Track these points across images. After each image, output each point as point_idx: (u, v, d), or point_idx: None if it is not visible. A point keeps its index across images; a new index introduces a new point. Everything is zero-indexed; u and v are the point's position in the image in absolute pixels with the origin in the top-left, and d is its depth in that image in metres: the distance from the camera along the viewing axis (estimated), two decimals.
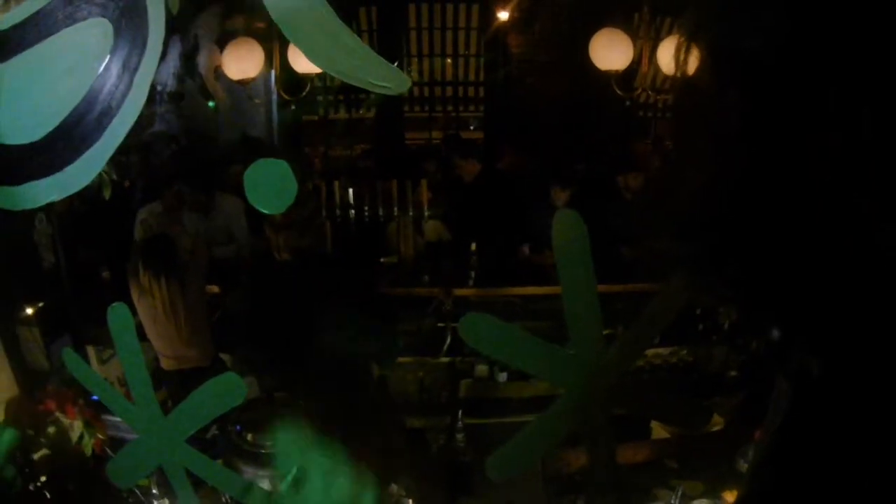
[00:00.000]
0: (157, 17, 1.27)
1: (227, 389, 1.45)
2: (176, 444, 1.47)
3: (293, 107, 7.52)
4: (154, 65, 1.24)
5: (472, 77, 10.83)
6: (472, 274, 5.98)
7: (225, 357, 4.78)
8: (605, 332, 1.14)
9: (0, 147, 1.52)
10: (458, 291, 5.61)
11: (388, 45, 9.87)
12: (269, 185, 1.19)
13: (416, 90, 10.87)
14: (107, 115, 1.28)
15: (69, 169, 1.37)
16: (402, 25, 10.12)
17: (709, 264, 0.71)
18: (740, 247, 0.70)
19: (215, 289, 5.43)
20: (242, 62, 6.48)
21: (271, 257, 3.90)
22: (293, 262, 3.85)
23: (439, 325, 5.33)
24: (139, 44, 1.24)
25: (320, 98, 9.30)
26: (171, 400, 2.78)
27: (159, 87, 6.79)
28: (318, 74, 7.05)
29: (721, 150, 0.71)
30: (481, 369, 5.23)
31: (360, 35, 9.82)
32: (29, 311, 4.07)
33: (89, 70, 1.32)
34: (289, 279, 3.85)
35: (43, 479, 2.33)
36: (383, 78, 1.08)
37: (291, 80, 7.14)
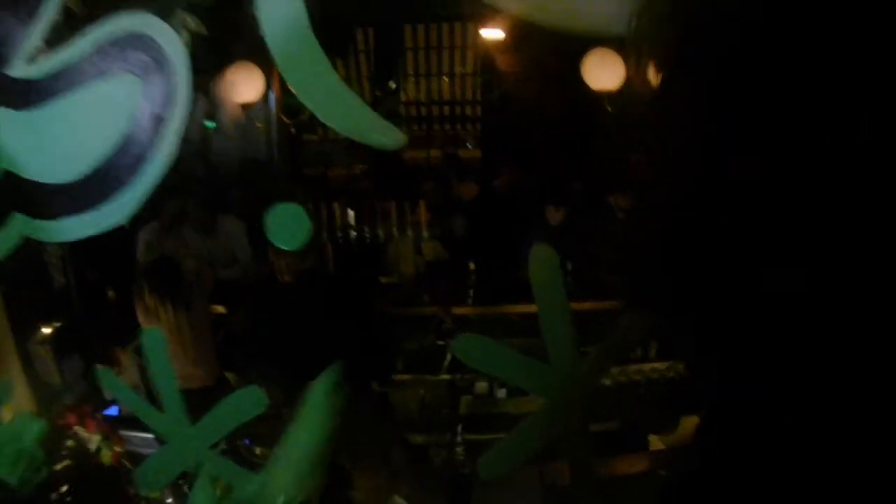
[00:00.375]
0: (181, 69, 1.45)
1: (250, 401, 1.62)
2: (202, 450, 1.64)
3: (292, 129, 7.68)
4: (183, 116, 1.41)
5: (468, 96, 10.97)
6: (471, 292, 6.11)
7: (230, 376, 4.91)
8: (581, 348, 1.31)
9: (35, 185, 1.69)
10: (457, 310, 5.78)
11: (385, 65, 10.04)
12: (288, 226, 1.35)
13: (413, 109, 11.02)
14: (139, 161, 1.45)
15: (104, 208, 1.54)
16: (398, 46, 10.28)
17: (639, 296, 0.85)
18: (660, 285, 0.80)
19: (220, 309, 5.57)
20: (244, 86, 6.62)
21: (274, 279, 4.05)
22: (295, 283, 3.99)
23: (439, 343, 5.46)
24: (167, 97, 1.42)
25: (317, 121, 9.45)
26: None
27: None
28: None
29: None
30: (481, 386, 5.35)
31: (356, 56, 10.03)
32: (43, 330, 4.23)
33: (120, 121, 1.49)
34: (291, 299, 4.00)
35: (64, 488, 2.50)
36: (382, 134, 1.26)
37: (291, 104, 7.29)
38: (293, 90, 1.37)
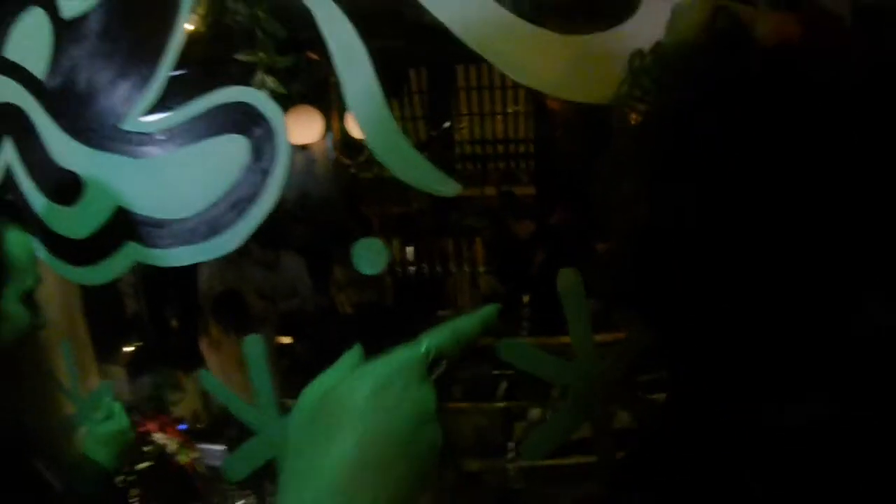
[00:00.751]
0: (281, 131, 1.83)
1: None
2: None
3: (351, 169, 8.06)
4: (286, 168, 1.79)
5: (521, 134, 11.27)
6: (525, 324, 6.39)
7: (291, 404, 5.21)
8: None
9: (148, 219, 2.06)
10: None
11: (438, 105, 10.41)
12: (370, 256, 1.70)
13: (467, 147, 11.36)
14: (245, 205, 1.82)
15: (213, 240, 1.91)
16: (451, 85, 10.64)
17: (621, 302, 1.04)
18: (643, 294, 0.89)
19: (283, 339, 5.90)
20: (304, 128, 7.02)
21: (335, 310, 4.38)
22: (356, 314, 4.33)
23: (494, 372, 5.67)
24: (271, 152, 1.80)
25: (374, 160, 9.82)
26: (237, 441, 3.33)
27: None
28: None
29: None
30: (534, 413, 5.58)
31: (410, 97, 10.42)
32: (122, 350, 4.55)
33: (229, 172, 1.85)
34: (352, 330, 4.33)
35: (141, 490, 2.86)
36: (441, 185, 1.63)
37: (349, 144, 7.69)
38: (371, 148, 1.73)
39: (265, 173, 1.80)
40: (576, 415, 1.60)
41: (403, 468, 0.71)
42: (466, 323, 0.84)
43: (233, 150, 1.85)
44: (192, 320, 6.07)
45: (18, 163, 2.24)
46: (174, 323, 6.70)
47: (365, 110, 1.64)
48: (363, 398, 0.73)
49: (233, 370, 4.89)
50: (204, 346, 5.01)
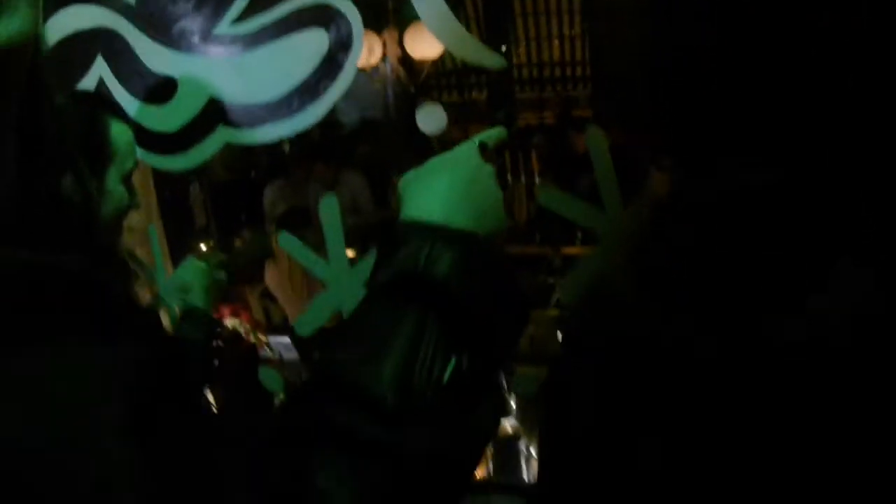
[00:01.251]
0: (357, 24, 2.18)
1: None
2: (357, 288, 2.13)
3: (411, 90, 8.31)
4: (358, 54, 2.13)
5: (578, 57, 11.44)
6: (579, 234, 6.57)
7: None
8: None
9: (240, 105, 2.40)
10: (566, 250, 6.29)
11: (494, 31, 10.61)
12: (432, 118, 2.04)
13: (525, 71, 11.57)
14: (325, 85, 2.17)
15: (296, 116, 2.25)
16: (507, 12, 10.84)
17: None
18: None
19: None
20: (364, 51, 7.25)
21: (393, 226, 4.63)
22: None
23: (549, 280, 5.86)
24: (347, 42, 2.15)
25: (432, 83, 10.11)
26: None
27: None
28: (432, 61, 7.81)
29: None
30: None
31: (467, 23, 10.63)
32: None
33: (311, 60, 2.20)
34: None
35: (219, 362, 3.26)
36: (489, 59, 1.99)
37: (409, 66, 7.94)
38: (428, 28, 2.05)
39: (342, 60, 2.16)
40: (605, 256, 1.92)
41: (480, 202, 1.11)
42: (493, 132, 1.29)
43: (315, 41, 2.20)
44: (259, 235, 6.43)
45: (110, 74, 2.60)
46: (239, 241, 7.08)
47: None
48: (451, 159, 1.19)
49: (296, 286, 5.31)
50: (268, 264, 5.33)
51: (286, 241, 2.28)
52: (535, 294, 5.77)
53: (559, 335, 3.06)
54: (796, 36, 0.99)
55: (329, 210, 2.15)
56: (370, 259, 2.08)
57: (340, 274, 2.18)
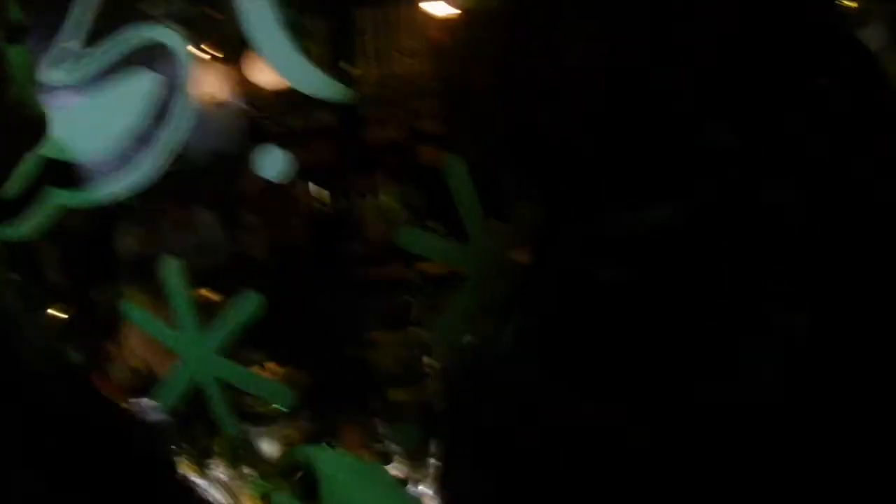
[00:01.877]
0: (185, 57, 2.05)
1: (249, 305, 2.12)
2: (210, 358, 2.06)
3: (260, 121, 8.10)
4: (190, 94, 2.01)
5: (426, 71, 11.38)
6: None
7: None
8: None
9: (71, 163, 2.25)
10: (423, 266, 6.15)
11: (340, 49, 10.50)
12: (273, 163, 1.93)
13: (373, 87, 11.46)
14: (160, 131, 2.06)
15: (134, 169, 2.12)
16: (351, 29, 10.74)
17: None
18: None
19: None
20: (210, 83, 7.07)
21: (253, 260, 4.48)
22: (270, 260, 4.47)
23: (408, 299, 5.80)
24: (177, 82, 2.03)
25: (283, 110, 9.90)
26: None
27: None
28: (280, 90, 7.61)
29: None
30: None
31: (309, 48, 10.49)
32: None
33: (142, 104, 2.08)
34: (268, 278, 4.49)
35: None
36: (332, 91, 1.91)
37: (255, 95, 7.75)
38: (266, 61, 1.94)
39: (174, 102, 2.04)
40: (473, 294, 1.83)
41: None
42: None
43: (143, 85, 2.07)
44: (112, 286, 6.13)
45: None
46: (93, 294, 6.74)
47: (262, 34, 1.87)
48: None
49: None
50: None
51: (132, 313, 2.16)
52: (393, 315, 5.70)
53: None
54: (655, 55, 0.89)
55: (172, 275, 2.04)
56: (222, 326, 2.07)
57: (191, 345, 2.10)
